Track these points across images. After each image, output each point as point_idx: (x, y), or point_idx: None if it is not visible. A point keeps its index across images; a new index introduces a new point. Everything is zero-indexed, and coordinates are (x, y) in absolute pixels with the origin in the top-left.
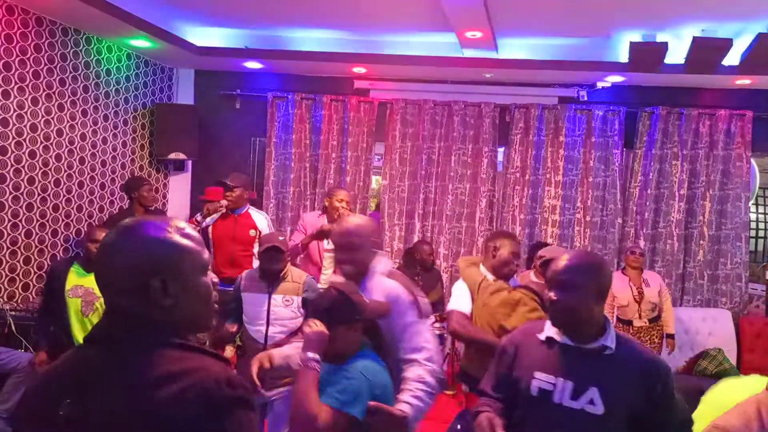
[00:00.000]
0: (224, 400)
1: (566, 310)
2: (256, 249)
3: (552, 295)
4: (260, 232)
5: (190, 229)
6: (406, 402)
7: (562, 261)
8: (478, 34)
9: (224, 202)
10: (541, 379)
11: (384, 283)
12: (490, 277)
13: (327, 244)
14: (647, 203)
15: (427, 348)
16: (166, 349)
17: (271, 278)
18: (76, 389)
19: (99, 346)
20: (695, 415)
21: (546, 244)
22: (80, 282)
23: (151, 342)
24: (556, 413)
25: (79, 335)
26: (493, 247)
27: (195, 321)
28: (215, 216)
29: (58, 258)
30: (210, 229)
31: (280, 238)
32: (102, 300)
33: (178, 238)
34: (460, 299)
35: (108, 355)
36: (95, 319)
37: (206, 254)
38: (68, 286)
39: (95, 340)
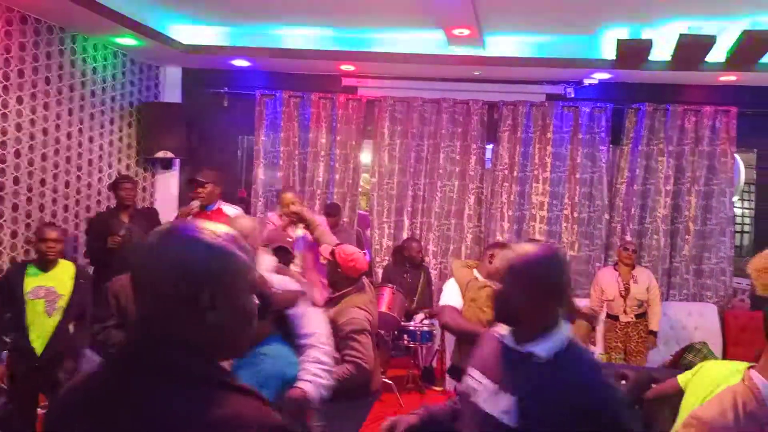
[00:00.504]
0: None
1: (502, 303)
2: None
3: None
4: None
5: (244, 242)
6: (306, 380)
7: (511, 252)
8: (466, 32)
9: (196, 203)
10: (472, 376)
11: (275, 280)
12: (481, 278)
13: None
14: (634, 199)
15: (319, 332)
16: (199, 385)
17: None
18: (97, 417)
19: (128, 372)
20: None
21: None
22: (40, 283)
23: (185, 373)
24: (477, 415)
25: (37, 340)
26: (491, 254)
27: (232, 345)
28: (189, 216)
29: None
30: None
31: (288, 239)
32: (64, 299)
33: (235, 249)
34: (451, 295)
35: (137, 385)
36: (58, 317)
37: (256, 273)
38: (27, 288)
39: (125, 363)
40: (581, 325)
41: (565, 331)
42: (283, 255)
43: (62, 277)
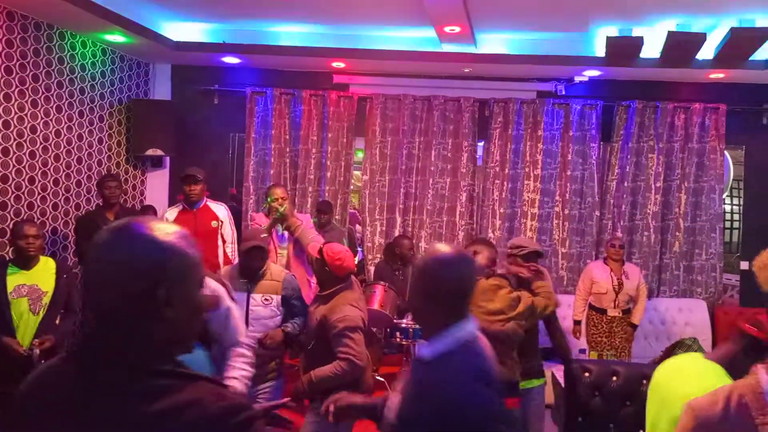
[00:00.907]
0: None
1: (415, 316)
2: (221, 243)
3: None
4: (222, 223)
5: (193, 239)
6: (234, 377)
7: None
8: (457, 29)
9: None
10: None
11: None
12: None
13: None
14: (624, 196)
15: (241, 329)
16: (158, 377)
17: (250, 276)
18: (58, 411)
19: (86, 366)
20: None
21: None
22: (22, 281)
23: (142, 365)
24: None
25: (24, 339)
26: (473, 252)
27: (185, 338)
28: (174, 212)
29: None
30: None
31: (263, 235)
32: (48, 296)
33: (186, 246)
34: None
35: (98, 377)
36: (43, 314)
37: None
38: (10, 288)
39: (82, 358)
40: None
41: (463, 334)
42: (259, 254)
43: (44, 274)
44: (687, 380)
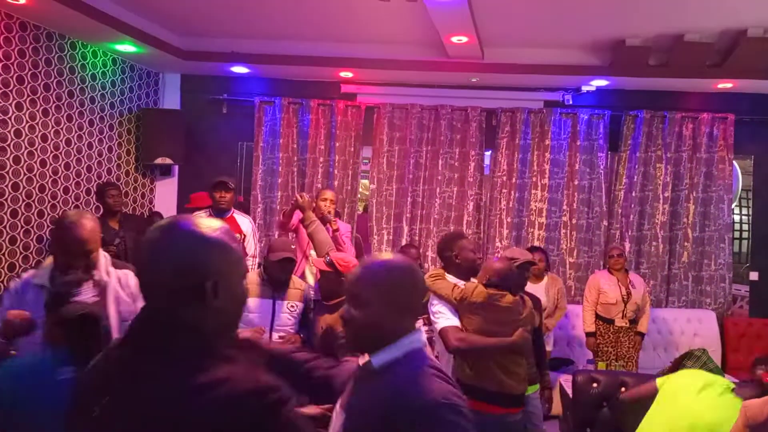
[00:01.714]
0: (254, 415)
1: (363, 328)
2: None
3: (344, 311)
4: (245, 236)
5: (237, 238)
6: None
7: (355, 270)
8: (464, 39)
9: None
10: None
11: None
12: (461, 282)
13: None
14: (632, 205)
15: None
16: (200, 357)
17: (278, 285)
18: (112, 391)
19: (136, 350)
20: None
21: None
22: None
23: (187, 348)
24: None
25: None
26: (454, 254)
27: (231, 326)
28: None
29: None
30: None
31: (292, 246)
32: None
33: (229, 240)
34: (444, 315)
35: (144, 360)
36: None
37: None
38: None
39: (133, 343)
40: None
41: (412, 343)
42: (290, 266)
43: None
44: (709, 407)
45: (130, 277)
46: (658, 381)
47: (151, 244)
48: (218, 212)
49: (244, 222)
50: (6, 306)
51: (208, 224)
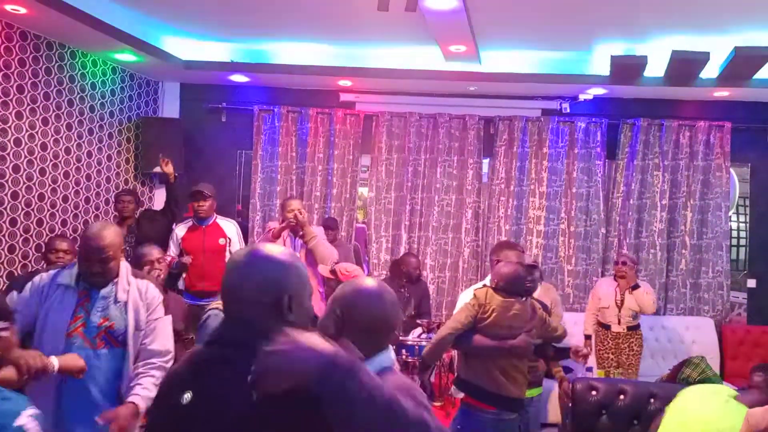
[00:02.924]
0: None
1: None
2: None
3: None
4: (230, 240)
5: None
6: (138, 395)
7: (349, 285)
8: (462, 48)
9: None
10: None
11: (137, 283)
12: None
13: None
14: (630, 213)
15: (166, 345)
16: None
17: None
18: (196, 381)
19: (221, 347)
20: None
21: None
22: None
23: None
24: None
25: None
26: (496, 260)
27: None
28: (183, 229)
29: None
30: (180, 243)
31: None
32: None
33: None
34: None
35: (228, 353)
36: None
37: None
38: None
39: (219, 342)
40: None
41: (382, 362)
42: None
43: None
44: (716, 415)
45: (150, 289)
46: (666, 410)
47: (237, 267)
48: (199, 221)
49: (229, 226)
50: (26, 299)
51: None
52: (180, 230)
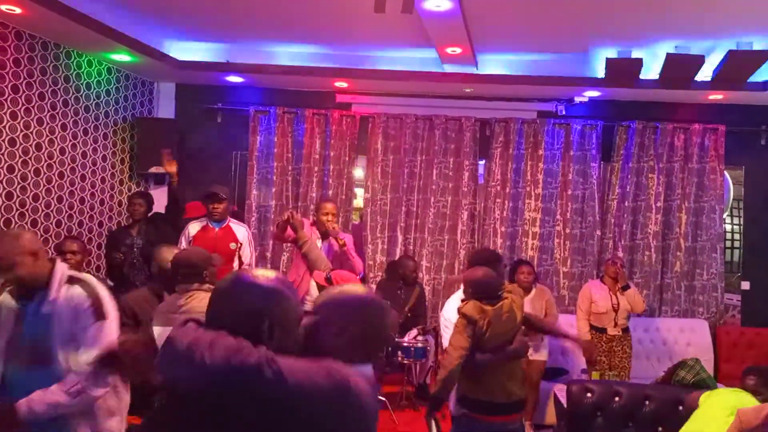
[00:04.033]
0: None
1: (313, 334)
2: (236, 264)
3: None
4: (241, 245)
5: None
6: (32, 398)
7: (336, 289)
8: (458, 50)
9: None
10: None
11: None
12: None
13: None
14: (625, 215)
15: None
16: None
17: None
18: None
19: None
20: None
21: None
22: None
23: None
24: None
25: None
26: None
27: None
28: (197, 227)
29: None
30: (192, 241)
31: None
32: None
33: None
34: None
35: None
36: None
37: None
38: None
39: None
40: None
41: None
42: None
43: None
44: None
45: (76, 294)
46: (701, 398)
47: (220, 294)
48: (213, 222)
49: (240, 230)
50: None
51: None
52: (193, 228)
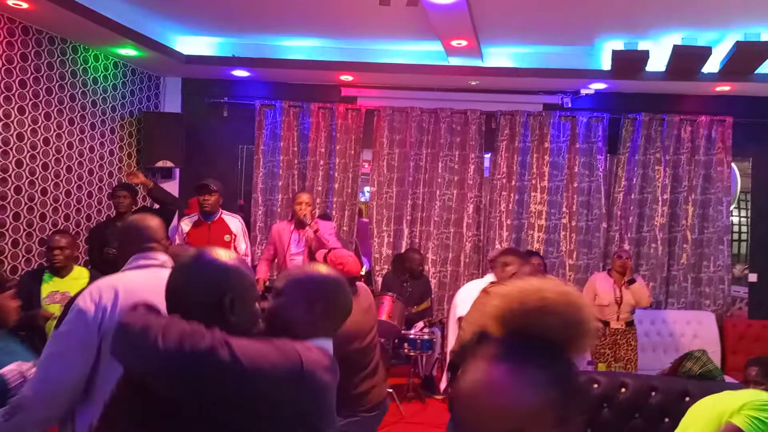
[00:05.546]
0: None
1: (273, 316)
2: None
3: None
4: (235, 237)
5: (249, 266)
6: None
7: (300, 270)
8: (464, 43)
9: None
10: None
11: None
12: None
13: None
14: (631, 208)
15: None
16: None
17: None
18: None
19: None
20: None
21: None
22: (55, 288)
23: None
24: None
25: None
26: (504, 262)
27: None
28: (189, 224)
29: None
30: (186, 238)
31: None
32: None
33: (243, 267)
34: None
35: None
36: None
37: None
38: (44, 294)
39: None
40: None
41: (323, 345)
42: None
43: (76, 283)
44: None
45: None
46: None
47: (182, 269)
48: (204, 215)
49: (233, 222)
50: None
51: (225, 254)
52: (185, 225)
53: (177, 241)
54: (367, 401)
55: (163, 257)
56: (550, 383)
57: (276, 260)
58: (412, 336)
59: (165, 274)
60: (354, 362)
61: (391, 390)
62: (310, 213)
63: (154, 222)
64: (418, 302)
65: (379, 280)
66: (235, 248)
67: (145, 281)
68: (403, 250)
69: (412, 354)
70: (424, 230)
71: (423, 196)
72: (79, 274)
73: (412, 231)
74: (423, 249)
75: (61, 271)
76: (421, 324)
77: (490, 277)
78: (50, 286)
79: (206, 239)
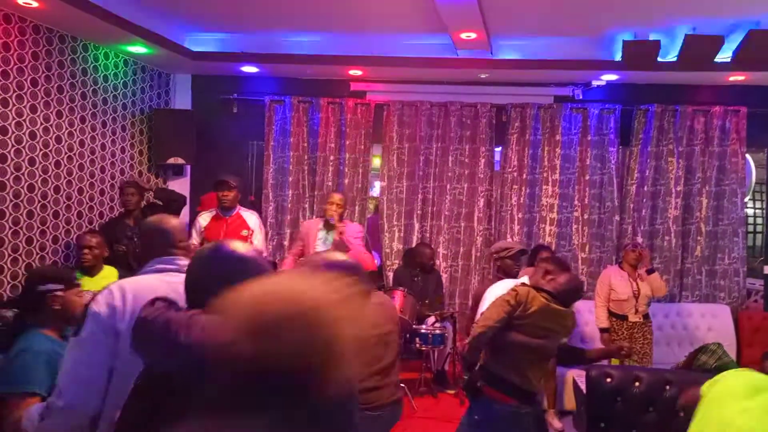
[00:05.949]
0: None
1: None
2: None
3: None
4: (252, 232)
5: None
6: None
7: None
8: (473, 35)
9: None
10: None
11: None
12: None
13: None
14: (644, 200)
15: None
16: None
17: None
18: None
19: None
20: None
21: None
22: (86, 287)
23: None
24: None
25: None
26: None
27: None
28: (208, 218)
29: (59, 265)
30: (203, 233)
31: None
32: None
33: (259, 258)
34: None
35: None
36: None
37: None
38: None
39: None
40: None
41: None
42: None
43: (107, 282)
44: (760, 420)
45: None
46: (703, 388)
47: (201, 259)
48: (223, 211)
49: (251, 218)
50: None
51: (241, 246)
52: (204, 219)
53: (194, 235)
54: (372, 399)
55: (182, 261)
56: None
57: (303, 257)
58: (423, 330)
59: (177, 278)
60: (366, 352)
61: (403, 385)
62: (339, 215)
63: (175, 223)
64: (430, 297)
65: (390, 274)
66: (252, 244)
67: (157, 285)
68: (413, 245)
69: (423, 349)
70: (434, 225)
71: (433, 190)
72: (109, 273)
73: (423, 225)
74: (434, 243)
75: (91, 271)
76: (432, 319)
77: (524, 279)
78: (81, 285)
79: (223, 234)
